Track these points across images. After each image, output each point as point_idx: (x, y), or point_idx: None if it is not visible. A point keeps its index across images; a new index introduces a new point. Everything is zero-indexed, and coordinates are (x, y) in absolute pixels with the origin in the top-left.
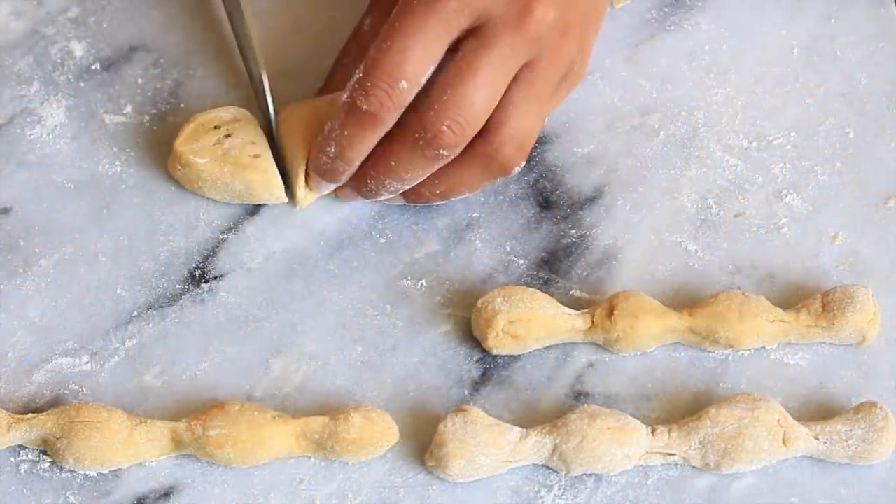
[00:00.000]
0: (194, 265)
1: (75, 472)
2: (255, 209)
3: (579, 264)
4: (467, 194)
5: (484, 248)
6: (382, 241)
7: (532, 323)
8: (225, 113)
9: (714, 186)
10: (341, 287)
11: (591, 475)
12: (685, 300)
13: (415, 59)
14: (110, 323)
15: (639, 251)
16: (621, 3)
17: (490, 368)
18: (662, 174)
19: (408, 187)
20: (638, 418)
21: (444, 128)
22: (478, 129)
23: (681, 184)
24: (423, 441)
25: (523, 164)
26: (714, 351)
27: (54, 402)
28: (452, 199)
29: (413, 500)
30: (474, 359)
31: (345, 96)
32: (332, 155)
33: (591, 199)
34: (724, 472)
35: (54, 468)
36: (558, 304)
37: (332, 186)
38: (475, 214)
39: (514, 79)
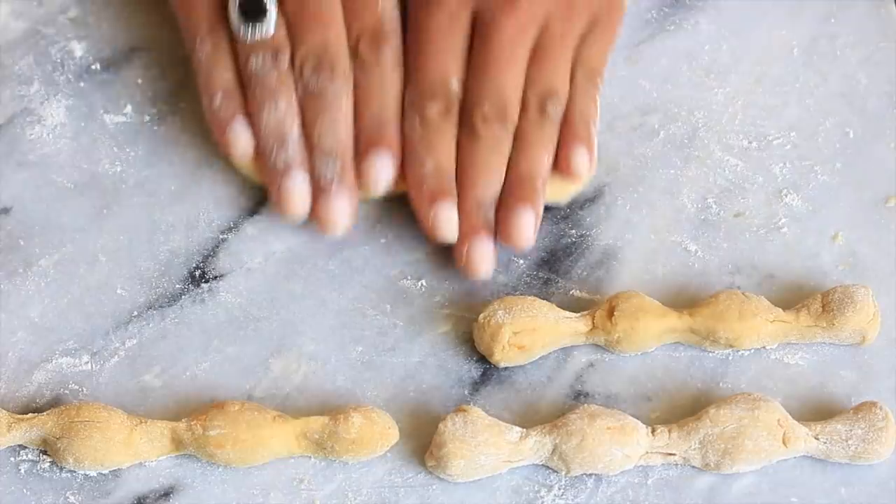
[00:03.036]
0: (194, 265)
1: (75, 472)
2: (255, 209)
3: (579, 264)
4: (549, 165)
5: None
6: (382, 241)
7: (536, 332)
8: None
9: (714, 186)
10: (341, 287)
11: (591, 475)
12: (685, 300)
13: (451, 59)
14: (110, 323)
15: (639, 251)
16: None
17: (490, 368)
18: (662, 174)
19: (498, 187)
20: (638, 418)
21: (486, 111)
22: (516, 101)
23: (681, 184)
24: (423, 441)
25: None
26: (714, 351)
27: (54, 402)
28: (567, 161)
29: (413, 500)
30: (474, 359)
31: (412, 118)
32: (432, 170)
33: (591, 199)
34: (724, 472)
35: (54, 468)
36: (557, 308)
37: (453, 211)
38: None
39: (536, 48)
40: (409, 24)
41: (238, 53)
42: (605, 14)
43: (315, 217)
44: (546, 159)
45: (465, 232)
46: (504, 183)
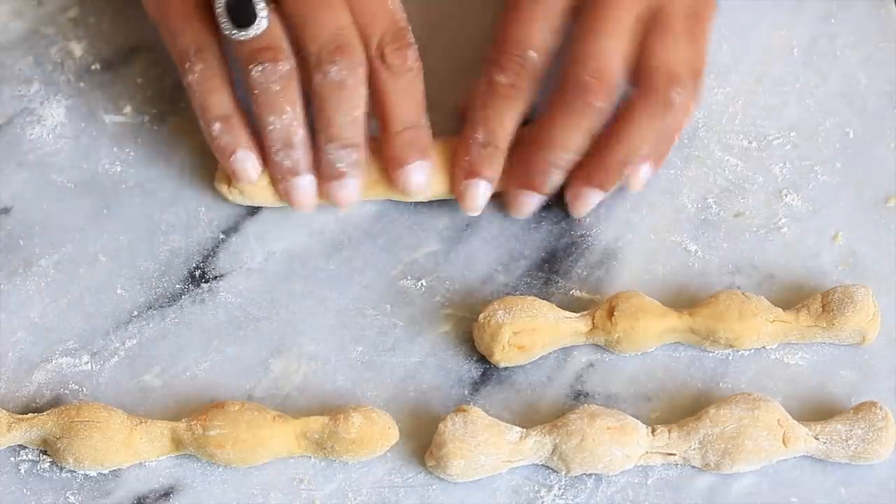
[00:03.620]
0: (194, 265)
1: (75, 472)
2: (255, 209)
3: (579, 264)
4: (646, 157)
5: (484, 248)
6: (382, 241)
7: (536, 332)
8: None
9: (714, 186)
10: (341, 287)
11: (591, 475)
12: (685, 300)
13: (540, 29)
14: (110, 323)
15: (639, 251)
16: None
17: (490, 368)
18: (662, 174)
19: (576, 157)
20: (638, 418)
21: (588, 78)
22: (619, 73)
23: (681, 184)
24: (423, 441)
25: (696, 104)
26: (714, 351)
27: (54, 402)
28: (635, 168)
29: (413, 500)
30: (474, 359)
31: (482, 77)
32: (481, 141)
33: None
34: (724, 472)
35: (54, 468)
36: (557, 308)
37: (487, 189)
38: (475, 214)
39: (650, 22)
40: None
41: (237, 61)
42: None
43: (326, 197)
44: (645, 149)
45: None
46: (589, 157)
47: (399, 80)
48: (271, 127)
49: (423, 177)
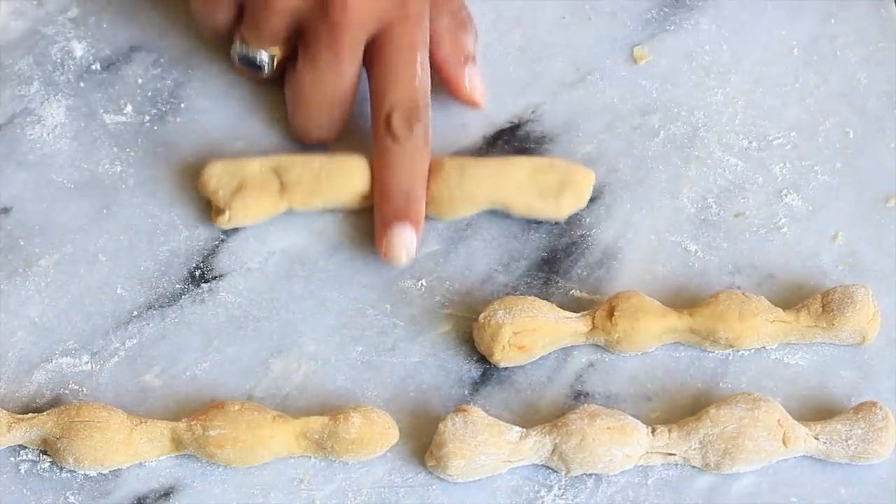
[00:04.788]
0: (194, 265)
1: (75, 472)
2: None
3: (579, 264)
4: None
5: (484, 248)
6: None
7: (536, 332)
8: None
9: (714, 186)
10: (341, 287)
11: (591, 475)
12: (685, 300)
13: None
14: (110, 323)
15: (639, 251)
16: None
17: (490, 368)
18: (662, 174)
19: None
20: (638, 418)
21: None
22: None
23: (681, 184)
24: (423, 441)
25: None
26: (714, 351)
27: (54, 402)
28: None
29: (413, 500)
30: (474, 359)
31: None
32: None
33: (592, 199)
34: (724, 472)
35: (54, 468)
36: (557, 308)
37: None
38: (475, 214)
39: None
40: None
41: None
42: None
43: None
44: None
45: None
46: None
47: (402, 148)
48: None
49: (409, 242)
